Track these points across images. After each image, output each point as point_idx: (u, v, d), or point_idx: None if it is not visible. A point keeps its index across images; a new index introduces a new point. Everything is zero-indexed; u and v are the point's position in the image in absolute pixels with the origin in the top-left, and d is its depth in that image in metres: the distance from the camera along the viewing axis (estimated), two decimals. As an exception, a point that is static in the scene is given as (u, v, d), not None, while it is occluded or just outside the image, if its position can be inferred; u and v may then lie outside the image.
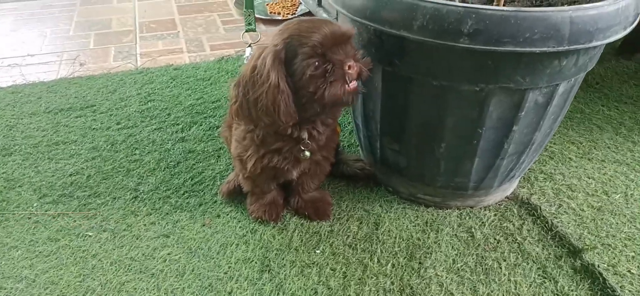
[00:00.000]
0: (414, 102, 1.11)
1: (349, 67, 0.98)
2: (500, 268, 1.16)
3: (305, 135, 1.11)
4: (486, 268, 1.16)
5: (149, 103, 1.79)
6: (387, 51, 1.07)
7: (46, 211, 1.32)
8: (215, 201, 1.35)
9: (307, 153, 1.14)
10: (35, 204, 1.34)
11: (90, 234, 1.25)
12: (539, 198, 1.36)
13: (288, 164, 1.16)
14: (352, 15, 1.06)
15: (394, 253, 1.20)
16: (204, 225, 1.27)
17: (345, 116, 1.75)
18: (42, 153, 1.53)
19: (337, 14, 1.27)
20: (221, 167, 1.47)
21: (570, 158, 1.53)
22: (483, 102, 1.05)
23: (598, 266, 1.14)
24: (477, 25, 0.91)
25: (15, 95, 1.84)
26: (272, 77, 0.97)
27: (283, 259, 1.17)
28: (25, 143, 1.58)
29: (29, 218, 1.29)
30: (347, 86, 0.99)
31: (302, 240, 1.23)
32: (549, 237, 1.24)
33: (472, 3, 0.95)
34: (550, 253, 1.20)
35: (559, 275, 1.14)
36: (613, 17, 0.95)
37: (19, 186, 1.40)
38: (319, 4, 1.52)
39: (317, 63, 0.97)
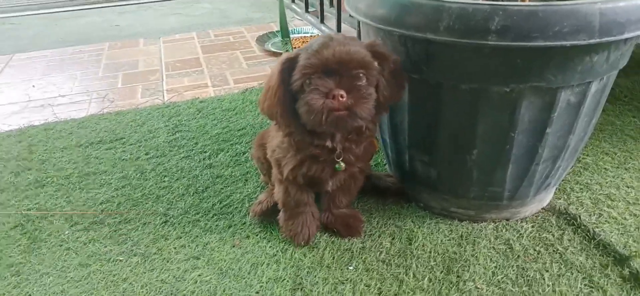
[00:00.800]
0: (443, 109, 1.10)
1: (334, 97, 0.97)
2: (544, 279, 1.11)
3: (338, 146, 1.11)
4: (528, 280, 1.11)
5: (176, 134, 1.82)
6: (413, 57, 1.07)
7: (77, 238, 1.32)
8: (244, 223, 1.34)
9: (342, 164, 1.13)
10: (66, 232, 1.35)
11: (120, 258, 1.24)
12: (577, 208, 1.31)
13: (324, 174, 1.15)
14: (376, 24, 1.07)
15: (430, 267, 1.16)
16: (233, 246, 1.26)
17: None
18: (74, 184, 1.56)
19: (358, 24, 1.28)
20: (249, 190, 1.47)
21: (605, 168, 1.48)
22: (514, 105, 1.03)
23: (648, 272, 1.08)
24: (505, 22, 0.91)
25: (47, 132, 1.89)
26: (273, 81, 1.05)
27: (315, 277, 1.15)
28: (57, 175, 1.61)
29: (61, 245, 1.30)
30: (323, 115, 0.98)
31: (333, 257, 1.20)
32: (591, 246, 1.19)
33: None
34: (595, 262, 1.14)
35: (607, 284, 1.08)
36: (644, 9, 0.94)
37: (51, 215, 1.42)
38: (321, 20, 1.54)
39: (305, 82, 1.00)
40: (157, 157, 1.68)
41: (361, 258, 1.19)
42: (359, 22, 2.03)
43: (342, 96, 0.97)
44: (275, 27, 3.05)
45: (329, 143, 1.10)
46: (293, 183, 1.20)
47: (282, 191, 1.24)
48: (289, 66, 1.03)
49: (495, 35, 0.92)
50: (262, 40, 2.80)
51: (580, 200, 1.34)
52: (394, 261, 1.18)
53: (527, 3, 0.90)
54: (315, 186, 1.23)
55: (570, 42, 0.91)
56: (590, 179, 1.43)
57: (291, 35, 2.70)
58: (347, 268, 1.16)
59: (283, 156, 1.17)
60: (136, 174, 1.58)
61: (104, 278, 1.18)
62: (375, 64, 1.02)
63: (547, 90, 1.01)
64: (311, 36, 2.73)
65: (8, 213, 1.44)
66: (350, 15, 2.30)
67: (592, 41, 0.91)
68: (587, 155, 1.55)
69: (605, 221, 1.26)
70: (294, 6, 2.79)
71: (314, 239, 1.25)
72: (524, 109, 1.04)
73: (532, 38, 0.91)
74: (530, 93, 1.02)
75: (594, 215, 1.28)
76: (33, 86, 2.32)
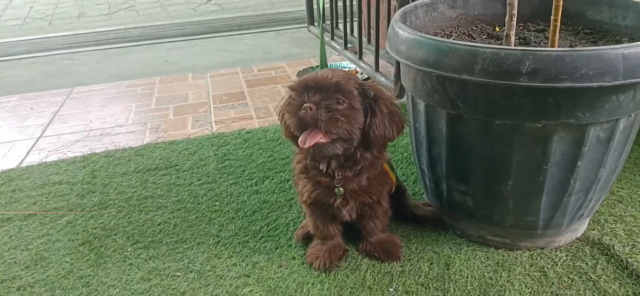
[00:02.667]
0: (479, 142, 1.19)
1: (304, 108, 1.12)
2: (577, 305, 1.16)
3: (337, 172, 1.23)
4: (562, 306, 1.16)
5: (225, 162, 1.96)
6: (450, 95, 1.17)
7: (139, 255, 1.46)
8: (290, 245, 1.44)
9: (341, 190, 1.25)
10: (129, 249, 1.48)
11: (178, 274, 1.36)
12: (611, 239, 1.35)
13: (333, 200, 1.27)
14: (417, 66, 1.18)
15: (466, 291, 1.22)
16: (280, 266, 1.36)
17: (409, 166, 1.83)
18: (133, 206, 1.71)
19: (397, 63, 1.39)
20: (293, 215, 1.58)
21: (639, 201, 1.52)
22: (546, 139, 1.11)
23: (681, 302, 1.11)
24: (535, 65, 1.00)
25: (108, 159, 2.07)
26: (280, 106, 1.25)
27: (357, 296, 1.23)
28: (118, 198, 1.76)
29: (124, 261, 1.43)
30: (293, 120, 1.14)
31: (374, 279, 1.28)
32: (625, 275, 1.23)
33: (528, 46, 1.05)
34: (628, 291, 1.18)
35: (640, 312, 1.12)
36: (667, 52, 1.01)
37: (114, 234, 1.56)
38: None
39: (290, 96, 1.19)
40: (208, 183, 1.82)
41: (401, 281, 1.27)
42: (397, 61, 2.15)
43: (310, 108, 1.12)
44: (314, 62, 3.20)
45: (322, 167, 1.23)
46: (320, 217, 1.34)
47: (312, 223, 1.37)
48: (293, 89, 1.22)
49: (526, 77, 1.01)
50: (302, 74, 2.96)
51: (614, 231, 1.39)
52: (432, 284, 1.25)
53: (555, 48, 0.99)
54: (334, 216, 1.34)
55: (597, 83, 0.99)
56: (624, 212, 1.47)
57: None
58: (388, 290, 1.25)
59: (302, 183, 1.32)
60: (190, 198, 1.72)
61: (164, 291, 1.30)
62: (355, 93, 1.15)
63: (577, 126, 1.09)
64: (348, 70, 2.87)
65: (76, 231, 1.59)
66: (387, 51, 2.42)
67: (617, 82, 0.99)
68: (622, 188, 1.59)
69: (639, 252, 1.30)
70: (333, 43, 2.93)
71: (356, 261, 1.34)
72: (555, 143, 1.12)
73: (561, 80, 0.99)
74: (561, 129, 1.10)
75: (628, 246, 1.32)
76: (91, 122, 2.53)
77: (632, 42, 1.16)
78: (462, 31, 1.51)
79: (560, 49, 1.00)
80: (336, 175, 1.23)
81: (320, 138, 1.13)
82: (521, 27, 1.51)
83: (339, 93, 1.14)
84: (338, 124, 1.13)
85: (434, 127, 1.27)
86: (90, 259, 1.45)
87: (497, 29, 1.52)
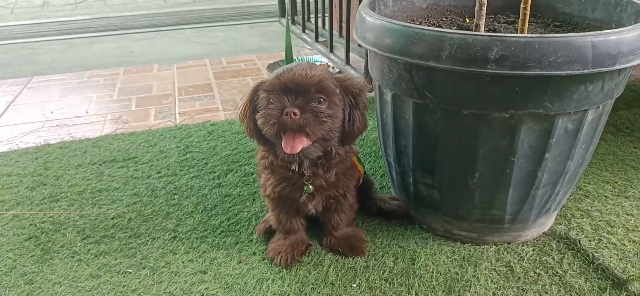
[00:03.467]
0: (446, 133, 1.15)
1: (287, 113, 1.04)
2: (543, 301, 1.13)
3: (307, 171, 1.17)
4: (528, 301, 1.13)
5: (187, 154, 1.88)
6: (417, 83, 1.12)
7: (89, 250, 1.36)
8: (251, 240, 1.37)
9: (310, 187, 1.19)
10: (78, 244, 1.39)
11: (130, 271, 1.28)
12: (578, 233, 1.33)
13: (299, 195, 1.21)
14: (383, 52, 1.13)
15: (431, 286, 1.18)
16: (240, 262, 1.29)
17: (377, 160, 1.79)
18: (86, 199, 1.61)
19: (366, 54, 1.34)
20: (256, 209, 1.51)
21: (606, 196, 1.51)
22: (514, 130, 1.08)
23: (646, 296, 1.10)
24: (503, 52, 0.96)
25: (62, 150, 1.96)
26: (245, 101, 1.15)
27: (319, 293, 1.17)
28: (71, 191, 1.66)
29: (72, 257, 1.34)
30: (274, 127, 1.06)
31: (337, 275, 1.23)
32: (590, 270, 1.21)
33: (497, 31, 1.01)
34: (593, 285, 1.17)
35: (606, 307, 1.10)
36: (634, 42, 0.99)
37: (64, 228, 1.46)
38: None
39: (265, 99, 1.08)
40: (168, 176, 1.73)
41: (364, 276, 1.22)
42: (366, 52, 2.11)
43: (295, 114, 1.04)
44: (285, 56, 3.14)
45: (294, 167, 1.16)
46: (283, 211, 1.27)
47: (274, 217, 1.31)
48: (257, 91, 1.13)
49: (494, 64, 0.97)
50: (272, 67, 2.89)
51: (580, 226, 1.37)
52: (396, 280, 1.21)
53: (524, 35, 0.96)
54: (299, 211, 1.28)
55: (565, 71, 0.96)
56: (591, 206, 1.46)
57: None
58: (351, 286, 1.19)
59: (265, 176, 1.25)
60: (147, 192, 1.63)
61: (113, 289, 1.22)
62: (337, 91, 1.09)
63: (545, 116, 1.06)
64: (320, 64, 2.81)
65: (23, 225, 1.48)
66: (358, 45, 2.38)
67: (585, 71, 0.96)
68: (589, 183, 1.58)
69: (605, 246, 1.29)
70: (304, 36, 2.87)
71: (319, 256, 1.29)
72: (523, 134, 1.09)
73: (529, 67, 0.96)
74: (529, 119, 1.07)
75: (594, 240, 1.31)
76: (52, 112, 2.40)
77: (600, 32, 1.14)
78: (431, 22, 1.47)
79: (528, 35, 0.96)
80: (306, 172, 1.18)
81: (305, 142, 1.07)
82: (491, 19, 1.48)
83: (321, 92, 1.06)
84: (324, 126, 1.07)
85: (401, 118, 1.23)
86: (36, 255, 1.35)
87: (467, 20, 1.48)
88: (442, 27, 1.41)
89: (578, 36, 0.96)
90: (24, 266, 1.31)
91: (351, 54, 2.36)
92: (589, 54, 0.95)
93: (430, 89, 1.10)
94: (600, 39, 0.96)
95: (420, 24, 1.43)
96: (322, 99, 1.07)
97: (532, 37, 0.96)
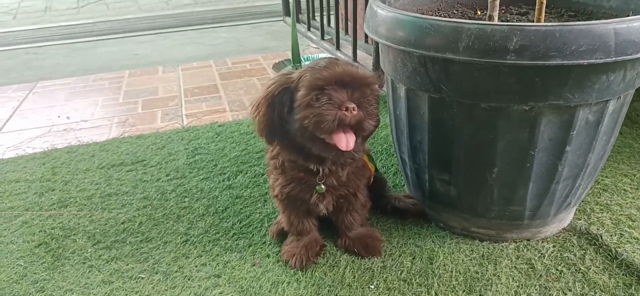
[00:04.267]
0: (463, 127, 1.12)
1: (346, 108, 1.00)
2: (567, 298, 1.10)
3: (321, 170, 1.14)
4: (551, 299, 1.10)
5: (196, 156, 1.85)
6: (432, 77, 1.09)
7: (100, 256, 1.34)
8: (265, 242, 1.35)
9: (323, 187, 1.16)
10: (89, 250, 1.37)
11: (142, 276, 1.26)
12: (598, 228, 1.30)
13: (309, 196, 1.18)
14: (397, 45, 1.11)
15: (451, 286, 1.15)
16: (254, 265, 1.27)
17: (389, 158, 1.76)
18: (96, 204, 1.59)
19: (374, 50, 1.31)
20: (268, 210, 1.49)
21: (625, 190, 1.47)
22: (534, 123, 1.05)
23: (674, 291, 1.07)
24: (523, 42, 0.93)
25: (70, 154, 1.94)
26: (263, 100, 1.09)
27: (336, 295, 1.15)
28: (80, 196, 1.64)
29: (84, 263, 1.32)
30: (334, 123, 1.00)
31: (354, 276, 1.20)
32: (614, 266, 1.18)
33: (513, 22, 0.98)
34: (618, 282, 1.13)
35: (632, 303, 1.07)
36: (660, 28, 0.96)
37: (74, 234, 1.44)
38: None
39: (314, 95, 1.01)
40: (178, 178, 1.71)
41: (382, 277, 1.19)
42: (374, 49, 2.08)
43: (354, 109, 1.00)
44: (291, 55, 3.12)
45: (313, 166, 1.13)
46: (294, 212, 1.24)
47: (285, 219, 1.28)
48: (284, 86, 1.07)
49: (513, 54, 0.94)
50: (278, 67, 2.86)
51: (601, 221, 1.34)
52: (415, 280, 1.18)
53: (544, 23, 0.93)
54: (310, 212, 1.25)
55: (587, 60, 0.93)
56: (610, 200, 1.43)
57: (307, 62, 2.75)
58: (368, 287, 1.17)
59: (273, 178, 1.22)
60: (157, 195, 1.61)
61: (127, 294, 1.20)
62: (378, 87, 1.06)
63: (565, 108, 1.03)
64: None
65: (33, 232, 1.46)
66: (366, 41, 2.35)
67: (608, 60, 0.93)
68: (606, 176, 1.55)
69: (627, 241, 1.25)
70: (310, 34, 2.85)
71: (335, 258, 1.26)
72: (543, 127, 1.06)
73: (550, 57, 0.93)
74: (549, 111, 1.03)
75: (616, 235, 1.27)
76: (59, 117, 2.38)
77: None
78: (442, 15, 1.44)
79: (549, 24, 0.93)
80: (322, 171, 1.14)
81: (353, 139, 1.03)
82: (503, 11, 1.45)
83: (371, 89, 1.04)
84: (373, 123, 1.05)
85: (416, 113, 1.20)
86: (47, 261, 1.33)
87: (479, 12, 1.45)
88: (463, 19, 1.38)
89: (600, 23, 0.93)
90: (34, 273, 1.29)
91: (358, 52, 2.34)
92: (611, 42, 0.92)
93: (447, 82, 1.07)
94: (624, 26, 0.93)
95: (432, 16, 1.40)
96: (369, 92, 1.04)
97: (553, 25, 0.93)
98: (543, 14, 1.12)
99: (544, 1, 1.11)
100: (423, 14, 1.43)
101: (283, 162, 1.18)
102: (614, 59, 0.94)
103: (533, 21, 1.15)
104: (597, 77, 0.99)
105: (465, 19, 1.39)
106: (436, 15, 1.42)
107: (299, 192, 1.19)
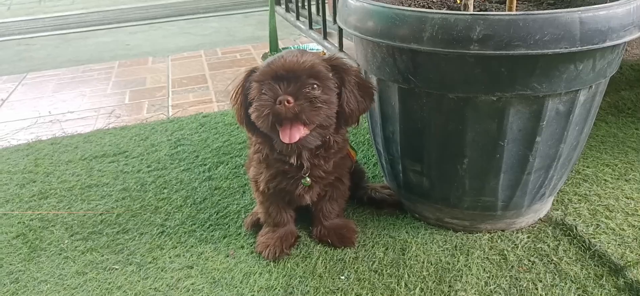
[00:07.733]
0: (432, 118, 1.11)
1: (280, 102, 1.00)
2: (536, 289, 1.10)
3: (306, 163, 1.14)
4: (521, 290, 1.10)
5: (178, 147, 1.85)
6: (401, 67, 1.08)
7: (76, 247, 1.35)
8: (240, 233, 1.35)
9: (308, 180, 1.16)
10: (66, 241, 1.37)
11: (116, 267, 1.26)
12: (575, 219, 1.29)
13: (296, 188, 1.18)
14: (364, 36, 1.10)
15: (422, 277, 1.15)
16: (227, 256, 1.27)
17: (369, 149, 1.75)
18: (76, 195, 1.59)
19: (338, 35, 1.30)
20: (246, 201, 1.49)
21: (605, 180, 1.46)
22: (502, 113, 1.04)
23: (643, 282, 1.06)
24: (486, 31, 0.92)
25: (53, 146, 1.94)
26: (236, 92, 1.12)
27: (307, 286, 1.15)
28: (60, 187, 1.64)
29: (59, 254, 1.32)
30: (269, 118, 1.01)
31: (326, 267, 1.20)
32: (587, 257, 1.17)
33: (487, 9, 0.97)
34: (589, 273, 1.13)
35: (601, 294, 1.06)
36: (625, 17, 0.94)
37: (52, 225, 1.45)
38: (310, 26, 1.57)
39: (259, 90, 1.04)
40: (158, 170, 1.71)
41: (353, 267, 1.19)
42: (338, 33, 2.06)
43: (288, 102, 1.00)
44: (281, 45, 3.10)
45: (293, 160, 1.13)
46: (273, 204, 1.24)
47: (263, 210, 1.27)
48: (249, 78, 1.08)
49: (477, 44, 0.93)
50: (267, 56, 2.84)
51: (577, 211, 1.33)
52: (386, 271, 1.18)
53: (508, 12, 0.92)
54: (293, 201, 1.25)
55: (552, 50, 0.92)
56: (589, 191, 1.42)
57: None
58: (339, 278, 1.17)
59: (257, 172, 1.21)
60: (136, 187, 1.61)
61: (99, 285, 1.20)
62: (330, 75, 1.05)
63: (534, 98, 1.02)
64: (316, 52, 2.76)
65: (11, 223, 1.47)
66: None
67: (574, 49, 0.92)
68: (588, 167, 1.53)
69: (603, 232, 1.24)
70: (298, 23, 2.82)
71: (307, 248, 1.26)
72: (512, 117, 1.04)
73: (514, 47, 0.92)
74: (517, 102, 1.02)
75: (591, 226, 1.27)
76: (49, 112, 2.38)
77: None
78: (420, 4, 1.42)
79: (512, 13, 0.92)
80: (305, 164, 1.14)
81: (302, 131, 1.03)
82: (483, 0, 1.43)
83: (314, 78, 1.03)
84: (320, 112, 1.03)
85: (387, 104, 1.19)
86: (23, 253, 1.34)
87: (458, 1, 1.43)
88: (431, 8, 1.36)
89: (565, 12, 0.91)
90: (10, 264, 1.30)
91: (345, 41, 2.32)
92: (577, 31, 0.91)
93: (414, 73, 1.06)
94: (589, 15, 0.92)
95: (410, 6, 1.38)
96: (315, 85, 1.03)
97: (516, 14, 0.91)
98: (514, 2, 1.10)
99: (516, -11, 1.09)
100: (402, 3, 1.42)
101: (267, 155, 1.17)
102: (579, 48, 0.93)
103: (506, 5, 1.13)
104: (565, 66, 0.98)
105: (443, 8, 1.37)
106: (415, 5, 1.41)
107: (285, 185, 1.19)
